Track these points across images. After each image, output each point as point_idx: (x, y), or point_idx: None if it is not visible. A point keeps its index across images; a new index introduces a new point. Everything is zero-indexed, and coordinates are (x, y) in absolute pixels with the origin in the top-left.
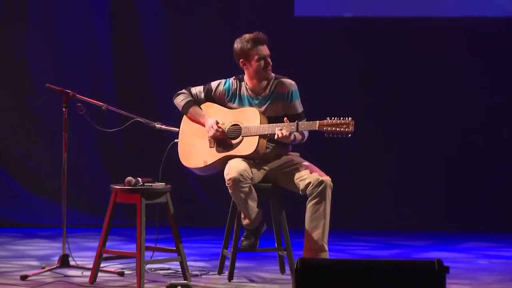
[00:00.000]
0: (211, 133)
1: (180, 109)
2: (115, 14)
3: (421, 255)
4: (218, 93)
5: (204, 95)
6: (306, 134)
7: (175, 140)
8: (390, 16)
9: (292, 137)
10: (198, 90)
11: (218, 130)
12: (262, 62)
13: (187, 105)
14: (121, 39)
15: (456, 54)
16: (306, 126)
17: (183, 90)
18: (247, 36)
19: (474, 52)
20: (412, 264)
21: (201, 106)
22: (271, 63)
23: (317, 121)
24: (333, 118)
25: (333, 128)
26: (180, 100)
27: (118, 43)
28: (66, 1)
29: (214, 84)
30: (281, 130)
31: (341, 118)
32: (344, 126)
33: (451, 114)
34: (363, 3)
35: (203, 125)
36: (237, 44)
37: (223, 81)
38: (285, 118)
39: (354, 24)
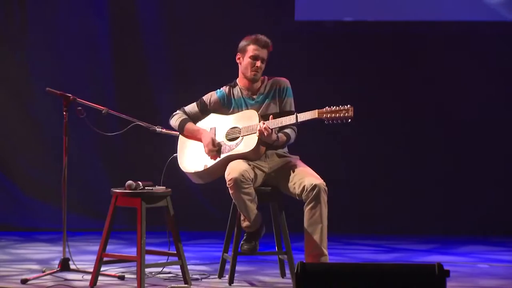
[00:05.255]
0: (207, 151)
1: (176, 129)
2: (115, 18)
3: (421, 259)
4: (212, 103)
5: (200, 110)
6: (293, 135)
7: (174, 155)
8: (390, 20)
9: (274, 136)
10: (191, 107)
11: (214, 149)
12: (253, 61)
13: (182, 123)
14: (122, 43)
15: (456, 58)
16: (305, 115)
17: (177, 111)
18: (254, 35)
19: (476, 57)
20: (412, 268)
21: (203, 120)
22: (259, 67)
23: (316, 110)
24: (332, 106)
25: (333, 115)
26: (175, 120)
27: (118, 47)
28: (66, 6)
29: (206, 97)
30: (263, 123)
31: (340, 105)
32: (344, 112)
33: (451, 117)
34: (363, 8)
35: (200, 140)
36: (246, 38)
37: (213, 92)
38: (271, 116)
39: (354, 28)
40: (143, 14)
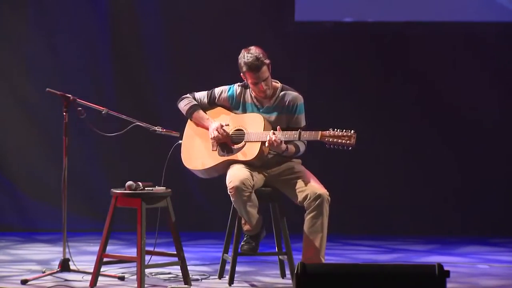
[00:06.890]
0: (214, 135)
1: (184, 113)
2: (115, 18)
3: (421, 260)
4: (221, 100)
5: (208, 101)
6: (302, 148)
7: (179, 141)
8: (390, 21)
9: (283, 146)
10: (201, 95)
11: (222, 133)
12: (255, 87)
13: (191, 109)
14: (121, 43)
15: (457, 58)
16: (308, 135)
17: (187, 95)
18: (246, 56)
19: (477, 58)
20: (412, 268)
21: (209, 111)
22: (263, 88)
23: (320, 132)
24: (335, 129)
25: (335, 140)
26: (184, 104)
27: (118, 46)
28: (66, 6)
29: (217, 91)
30: (274, 133)
31: (344, 130)
32: (346, 139)
33: (452, 118)
34: (363, 8)
35: (207, 128)
36: (239, 59)
37: (226, 87)
38: (278, 127)
39: (354, 29)
40: (143, 13)
